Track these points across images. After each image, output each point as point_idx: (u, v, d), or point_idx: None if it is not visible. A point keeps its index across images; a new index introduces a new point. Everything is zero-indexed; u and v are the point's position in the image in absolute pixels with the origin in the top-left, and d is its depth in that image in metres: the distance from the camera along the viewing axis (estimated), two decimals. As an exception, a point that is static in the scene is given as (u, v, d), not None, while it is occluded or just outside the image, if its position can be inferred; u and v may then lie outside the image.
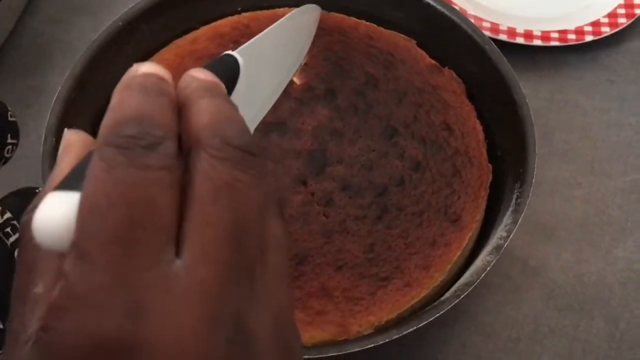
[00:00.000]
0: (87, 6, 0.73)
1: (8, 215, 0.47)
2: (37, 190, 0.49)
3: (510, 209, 0.49)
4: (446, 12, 0.59)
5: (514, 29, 0.69)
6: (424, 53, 0.58)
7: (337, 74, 0.54)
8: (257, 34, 0.58)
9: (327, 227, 0.48)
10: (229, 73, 0.32)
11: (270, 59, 0.46)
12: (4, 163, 0.47)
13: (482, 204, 0.51)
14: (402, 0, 0.60)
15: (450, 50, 0.59)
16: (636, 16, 0.70)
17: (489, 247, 0.47)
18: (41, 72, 0.68)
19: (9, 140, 0.46)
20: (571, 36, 0.69)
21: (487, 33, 0.67)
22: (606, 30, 0.70)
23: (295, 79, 0.54)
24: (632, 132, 0.65)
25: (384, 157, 0.51)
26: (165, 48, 0.59)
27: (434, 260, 0.48)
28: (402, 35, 0.60)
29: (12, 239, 0.46)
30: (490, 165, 0.53)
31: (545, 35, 0.69)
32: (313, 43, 0.57)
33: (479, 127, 0.55)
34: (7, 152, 0.47)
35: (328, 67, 0.55)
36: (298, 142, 0.50)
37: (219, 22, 0.61)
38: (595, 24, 0.70)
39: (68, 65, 0.67)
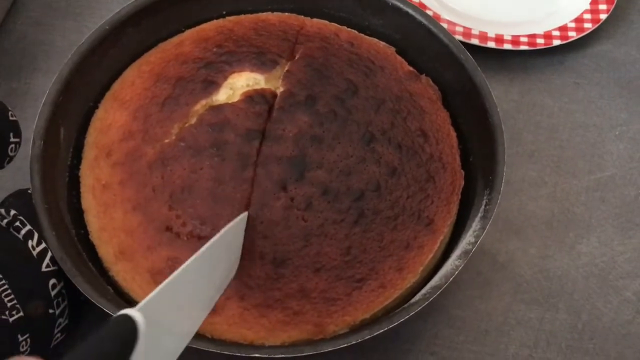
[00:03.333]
0: (69, 8, 0.72)
1: (14, 212, 0.47)
2: (28, 191, 0.49)
3: (479, 215, 0.49)
4: (424, 22, 0.58)
5: (486, 33, 0.69)
6: (403, 60, 0.57)
7: (318, 80, 0.53)
8: (240, 39, 0.57)
9: (306, 230, 0.47)
10: (122, 340, 0.28)
11: (188, 295, 0.39)
12: (9, 162, 0.47)
13: (454, 208, 0.51)
14: (382, 8, 0.59)
15: (427, 58, 0.58)
16: (601, 21, 0.70)
17: (457, 252, 0.47)
18: (25, 74, 0.67)
19: (12, 139, 0.46)
20: (540, 40, 0.69)
21: (460, 37, 0.67)
22: (573, 35, 0.69)
23: (279, 87, 0.53)
24: (596, 133, 0.66)
25: (361, 163, 0.50)
26: (151, 51, 0.58)
27: (407, 263, 0.48)
28: (382, 42, 0.59)
29: (23, 232, 0.46)
30: (462, 171, 0.53)
31: (515, 40, 0.69)
32: (295, 50, 0.56)
33: (453, 134, 0.54)
34: (11, 151, 0.46)
35: (309, 74, 0.54)
36: (279, 149, 0.49)
37: (204, 25, 0.59)
38: (563, 28, 0.70)
39: (51, 67, 0.66)
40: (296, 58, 0.55)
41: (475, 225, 0.48)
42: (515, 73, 0.69)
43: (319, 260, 0.47)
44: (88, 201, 0.51)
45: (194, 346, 0.41)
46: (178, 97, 0.53)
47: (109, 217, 0.49)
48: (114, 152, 0.52)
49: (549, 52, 0.70)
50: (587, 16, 0.71)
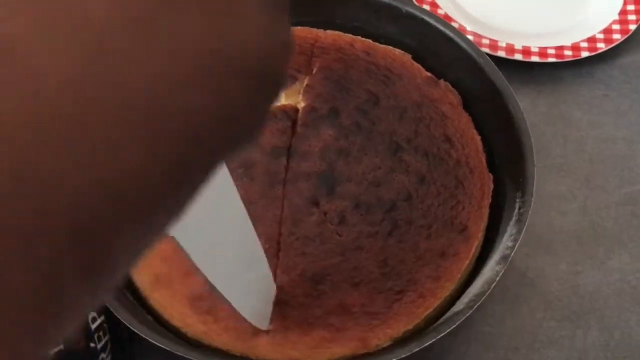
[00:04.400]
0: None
1: None
2: None
3: (514, 218, 0.50)
4: (440, 27, 0.59)
5: (512, 45, 0.68)
6: (419, 66, 0.59)
7: (338, 92, 0.55)
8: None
9: (342, 245, 0.48)
10: None
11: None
12: None
13: (486, 212, 0.52)
14: (397, 16, 0.61)
15: (444, 63, 0.59)
16: (630, 32, 0.69)
17: (496, 257, 0.48)
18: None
19: None
20: (567, 52, 0.68)
21: (486, 50, 0.66)
22: (601, 46, 0.69)
23: (299, 102, 0.53)
24: (626, 146, 0.65)
25: (390, 173, 0.52)
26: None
27: (444, 271, 0.49)
28: (398, 50, 0.60)
29: None
30: (490, 175, 0.54)
31: (542, 52, 0.68)
32: (312, 63, 0.55)
33: (477, 137, 0.55)
34: None
35: (329, 87, 0.55)
36: (307, 164, 0.51)
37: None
38: (591, 39, 0.69)
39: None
40: (314, 71, 0.57)
41: (510, 229, 0.49)
42: (543, 85, 0.68)
43: (356, 274, 0.48)
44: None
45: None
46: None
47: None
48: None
49: (577, 64, 0.70)
50: (616, 27, 0.70)
